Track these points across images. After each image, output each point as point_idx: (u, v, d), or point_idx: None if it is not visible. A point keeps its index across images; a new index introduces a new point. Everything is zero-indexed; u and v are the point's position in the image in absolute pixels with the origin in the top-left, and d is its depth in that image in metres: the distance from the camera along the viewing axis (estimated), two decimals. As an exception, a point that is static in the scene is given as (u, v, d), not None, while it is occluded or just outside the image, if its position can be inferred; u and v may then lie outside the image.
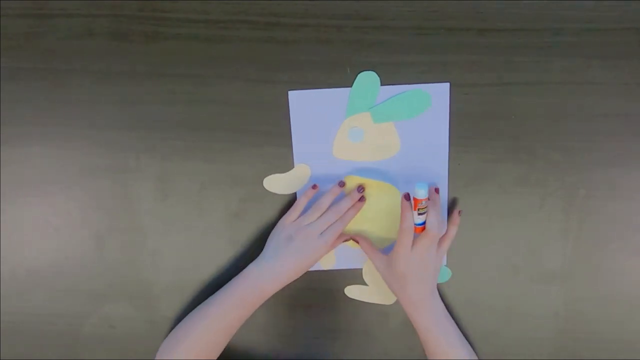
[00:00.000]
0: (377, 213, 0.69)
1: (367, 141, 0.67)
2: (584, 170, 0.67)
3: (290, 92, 0.65)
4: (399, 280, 0.64)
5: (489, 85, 0.65)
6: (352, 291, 0.71)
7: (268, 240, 0.67)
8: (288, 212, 0.67)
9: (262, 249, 0.67)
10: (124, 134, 0.68)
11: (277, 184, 0.68)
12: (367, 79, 0.65)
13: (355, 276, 0.71)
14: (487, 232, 0.69)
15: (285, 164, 0.68)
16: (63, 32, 0.65)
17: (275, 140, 0.67)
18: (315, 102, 0.66)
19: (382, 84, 0.65)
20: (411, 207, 0.62)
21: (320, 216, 0.65)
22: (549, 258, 0.69)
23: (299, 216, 0.66)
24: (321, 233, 0.64)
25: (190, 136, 0.68)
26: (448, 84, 0.64)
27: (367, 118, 0.66)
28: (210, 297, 0.67)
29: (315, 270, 0.70)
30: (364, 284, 0.71)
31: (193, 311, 0.67)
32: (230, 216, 0.70)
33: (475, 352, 0.70)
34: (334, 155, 0.67)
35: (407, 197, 0.62)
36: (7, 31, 0.65)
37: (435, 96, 0.65)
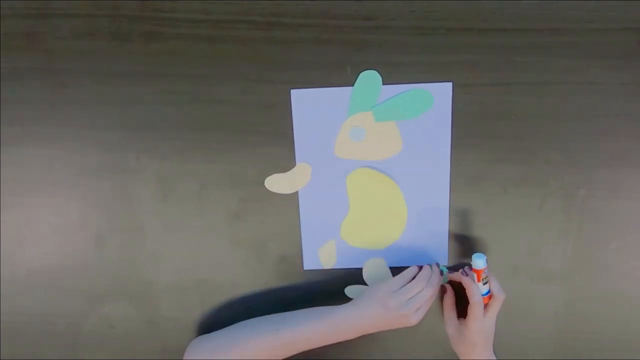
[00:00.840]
0: (380, 211, 0.69)
1: (369, 140, 0.67)
2: (584, 170, 0.67)
3: (292, 91, 0.65)
4: (469, 346, 0.66)
5: (489, 85, 0.65)
6: (352, 291, 0.71)
7: (367, 292, 0.64)
8: (393, 280, 0.65)
9: (262, 249, 0.67)
10: (124, 134, 0.68)
11: (279, 183, 0.68)
12: (369, 78, 0.65)
13: (355, 276, 0.71)
14: (487, 232, 0.69)
15: (285, 163, 0.68)
16: (63, 32, 0.65)
17: (275, 140, 0.67)
18: (318, 100, 0.66)
19: (382, 84, 0.65)
20: (474, 280, 0.65)
21: (418, 293, 0.63)
22: (549, 258, 0.69)
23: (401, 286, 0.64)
24: (416, 310, 0.63)
25: (190, 136, 0.67)
26: (451, 84, 0.64)
27: (368, 117, 0.66)
28: (283, 319, 0.66)
29: (315, 270, 0.71)
30: (364, 284, 0.71)
31: (258, 321, 0.67)
32: (230, 216, 0.70)
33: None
34: (335, 154, 0.67)
35: (465, 273, 0.66)
36: (7, 31, 0.65)
37: (438, 96, 0.65)
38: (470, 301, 0.65)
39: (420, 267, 0.67)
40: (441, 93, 0.65)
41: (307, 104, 0.66)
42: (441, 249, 0.70)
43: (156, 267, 0.71)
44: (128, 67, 0.66)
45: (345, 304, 0.65)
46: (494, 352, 0.68)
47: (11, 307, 0.73)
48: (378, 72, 0.64)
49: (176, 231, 0.70)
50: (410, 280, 0.65)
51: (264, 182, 0.68)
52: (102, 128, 0.68)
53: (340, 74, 0.65)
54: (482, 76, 0.64)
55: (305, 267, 0.70)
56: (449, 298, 0.70)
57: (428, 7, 0.63)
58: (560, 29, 0.63)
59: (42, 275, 0.72)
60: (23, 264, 0.72)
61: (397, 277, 0.65)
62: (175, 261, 0.71)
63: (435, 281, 0.65)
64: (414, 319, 0.63)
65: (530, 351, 0.72)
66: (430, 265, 0.67)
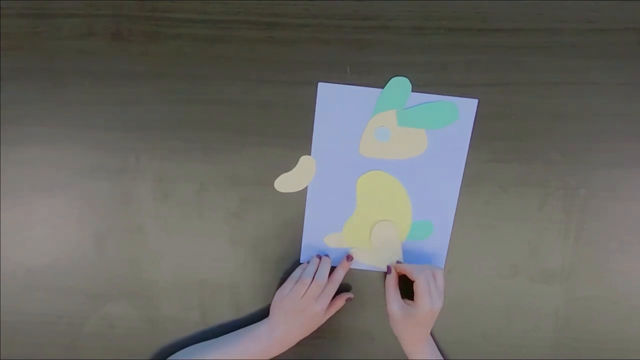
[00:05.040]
0: (385, 217, 0.69)
1: (394, 141, 0.66)
2: (584, 170, 0.67)
3: (320, 84, 0.65)
4: (416, 327, 0.65)
5: (489, 85, 0.65)
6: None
7: (271, 307, 0.68)
8: (284, 285, 0.67)
9: (261, 249, 0.68)
10: (124, 134, 0.68)
11: (288, 183, 0.68)
12: (398, 85, 0.65)
13: (354, 276, 0.71)
14: (487, 232, 0.69)
15: (285, 163, 0.68)
16: (63, 32, 0.65)
17: (275, 140, 0.67)
18: (344, 97, 0.65)
19: (381, 85, 0.65)
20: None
21: (310, 285, 0.65)
22: (549, 258, 0.69)
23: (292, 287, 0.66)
24: (316, 300, 0.65)
25: (190, 136, 0.68)
26: (476, 100, 0.64)
27: (393, 120, 0.66)
28: (215, 345, 0.68)
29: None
30: (365, 285, 0.71)
31: (194, 349, 0.69)
32: (230, 216, 0.70)
33: (475, 351, 0.70)
34: (360, 152, 0.67)
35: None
36: (7, 31, 0.65)
37: (463, 111, 0.65)
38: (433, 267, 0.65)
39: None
40: (466, 108, 0.65)
41: (332, 100, 0.65)
42: (439, 257, 0.70)
43: (156, 267, 0.71)
44: (128, 67, 0.66)
45: (264, 319, 0.68)
46: (494, 352, 0.68)
47: (11, 307, 0.73)
48: (378, 72, 0.64)
49: (176, 231, 0.70)
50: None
51: (263, 182, 0.68)
52: (101, 128, 0.68)
53: (340, 74, 0.65)
54: (482, 76, 0.64)
55: (302, 261, 0.71)
56: (392, 277, 0.67)
57: (428, 7, 0.63)
58: (560, 29, 0.63)
59: (42, 275, 0.72)
60: (23, 264, 0.72)
61: (287, 280, 0.67)
62: (175, 261, 0.71)
63: (324, 270, 0.66)
64: (317, 309, 0.65)
65: (530, 351, 0.72)
66: (321, 257, 0.68)
